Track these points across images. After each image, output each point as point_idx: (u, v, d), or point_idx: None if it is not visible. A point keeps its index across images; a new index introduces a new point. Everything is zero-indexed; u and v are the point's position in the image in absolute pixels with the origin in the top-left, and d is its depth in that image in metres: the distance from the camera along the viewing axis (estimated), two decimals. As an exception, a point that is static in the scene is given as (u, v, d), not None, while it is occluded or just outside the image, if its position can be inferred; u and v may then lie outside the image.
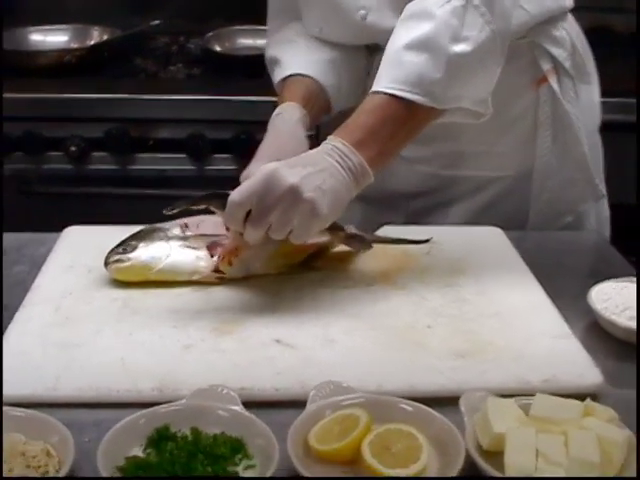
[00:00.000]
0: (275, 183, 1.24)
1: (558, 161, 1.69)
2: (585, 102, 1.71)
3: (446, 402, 1.09)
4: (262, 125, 2.33)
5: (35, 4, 2.82)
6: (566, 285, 1.44)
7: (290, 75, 1.64)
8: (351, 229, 1.47)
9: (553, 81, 1.64)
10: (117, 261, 1.38)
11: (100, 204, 2.38)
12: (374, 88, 1.36)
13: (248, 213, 1.25)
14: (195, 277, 1.38)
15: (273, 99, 2.35)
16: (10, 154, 2.38)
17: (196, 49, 2.77)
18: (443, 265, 1.48)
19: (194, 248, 1.39)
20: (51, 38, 2.71)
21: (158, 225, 1.42)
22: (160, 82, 2.56)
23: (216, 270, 1.38)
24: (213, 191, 1.31)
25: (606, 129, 1.79)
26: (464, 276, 1.45)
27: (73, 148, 2.35)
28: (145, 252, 1.38)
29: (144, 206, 2.33)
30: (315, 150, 1.33)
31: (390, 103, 1.33)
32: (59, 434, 1.01)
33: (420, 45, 1.34)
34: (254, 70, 2.50)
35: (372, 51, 1.66)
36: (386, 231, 1.57)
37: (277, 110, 1.58)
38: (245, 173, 1.39)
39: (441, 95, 1.34)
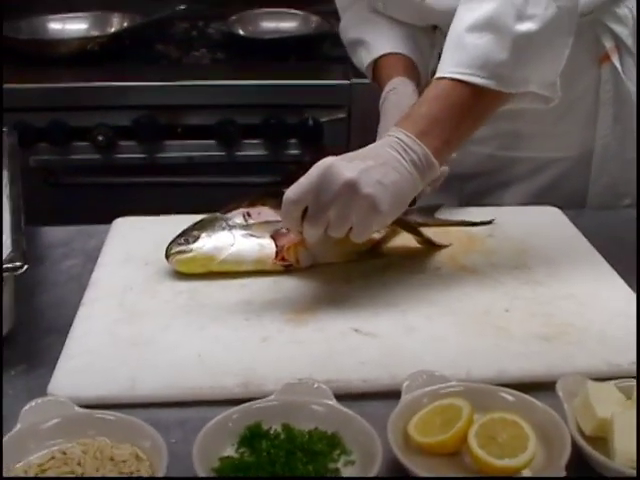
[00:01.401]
0: (331, 178, 1.17)
1: (618, 142, 1.65)
2: None
3: (537, 387, 1.06)
4: (292, 108, 2.33)
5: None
6: (630, 263, 1.40)
7: (382, 55, 1.61)
8: (413, 215, 1.44)
9: (615, 59, 1.60)
10: (179, 252, 1.33)
11: (129, 194, 2.33)
12: (437, 74, 1.30)
13: (306, 210, 1.20)
14: (260, 267, 1.35)
15: (301, 82, 2.35)
16: (35, 145, 2.32)
17: (217, 34, 2.72)
18: (508, 246, 1.45)
19: (257, 237, 1.35)
20: (70, 26, 2.64)
21: (218, 214, 1.37)
22: (184, 68, 2.51)
23: (282, 259, 1.35)
24: (267, 189, 1.28)
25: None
26: (531, 257, 1.41)
27: (100, 137, 2.29)
28: (208, 242, 1.33)
29: (175, 194, 2.31)
30: (376, 142, 1.27)
31: (455, 89, 1.27)
32: (149, 438, 0.96)
33: (483, 26, 1.27)
34: (279, 53, 2.49)
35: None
36: (444, 214, 1.54)
37: (388, 87, 1.54)
38: None
39: (508, 78, 1.28)
